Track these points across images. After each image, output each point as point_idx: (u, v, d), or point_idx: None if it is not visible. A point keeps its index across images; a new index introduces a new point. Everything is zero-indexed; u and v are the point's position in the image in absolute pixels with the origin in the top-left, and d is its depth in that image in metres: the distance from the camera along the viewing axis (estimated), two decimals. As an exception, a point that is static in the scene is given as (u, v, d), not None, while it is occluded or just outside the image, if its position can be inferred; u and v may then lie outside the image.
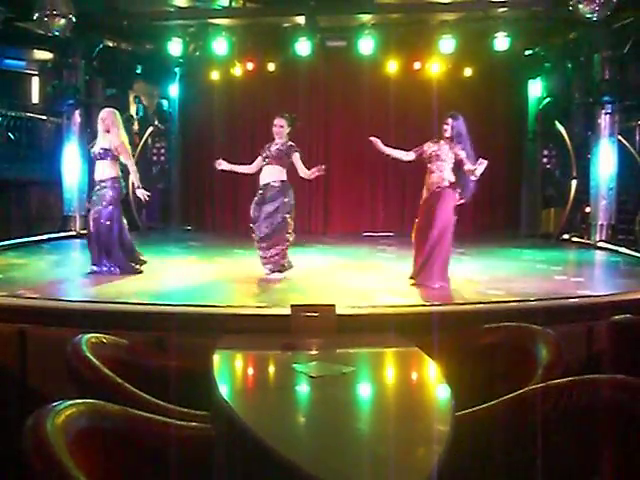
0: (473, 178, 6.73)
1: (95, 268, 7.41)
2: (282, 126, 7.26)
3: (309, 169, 7.17)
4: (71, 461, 2.09)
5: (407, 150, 7.12)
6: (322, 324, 3.98)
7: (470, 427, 2.69)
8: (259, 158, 7.34)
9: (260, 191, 7.27)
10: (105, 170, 7.48)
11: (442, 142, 6.85)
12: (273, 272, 7.23)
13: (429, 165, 6.89)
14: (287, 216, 7.20)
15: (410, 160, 7.08)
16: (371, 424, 2.72)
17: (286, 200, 7.17)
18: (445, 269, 6.84)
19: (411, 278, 6.90)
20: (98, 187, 7.54)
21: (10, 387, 4.61)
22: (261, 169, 7.31)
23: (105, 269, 7.39)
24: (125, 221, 7.73)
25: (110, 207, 7.42)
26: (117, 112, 7.77)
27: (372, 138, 7.06)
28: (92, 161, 8.04)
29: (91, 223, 7.54)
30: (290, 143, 7.26)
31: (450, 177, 6.81)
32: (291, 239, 7.28)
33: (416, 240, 6.96)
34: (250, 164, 7.43)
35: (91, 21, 10.89)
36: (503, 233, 12.52)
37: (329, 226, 13.59)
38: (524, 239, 12.02)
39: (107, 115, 7.61)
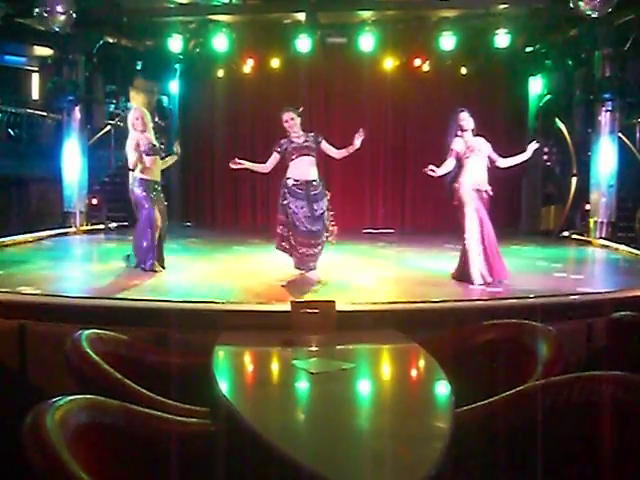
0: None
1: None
2: (293, 118, 7.10)
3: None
4: (71, 456, 2.09)
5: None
6: (322, 321, 3.98)
7: (470, 423, 2.69)
8: (276, 155, 7.04)
9: (300, 187, 6.96)
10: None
11: (465, 134, 6.81)
12: (311, 270, 7.16)
13: (468, 160, 6.78)
14: (331, 213, 7.17)
15: (452, 168, 6.87)
16: (371, 420, 2.73)
17: (328, 196, 7.14)
18: None
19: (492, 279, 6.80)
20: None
21: (10, 382, 4.61)
22: (288, 164, 7.04)
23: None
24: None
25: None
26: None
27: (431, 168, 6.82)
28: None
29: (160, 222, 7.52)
30: (312, 133, 7.11)
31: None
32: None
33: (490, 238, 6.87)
34: (253, 161, 7.25)
35: (91, 17, 10.88)
36: (503, 230, 12.47)
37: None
38: (524, 236, 12.01)
39: (139, 114, 7.49)
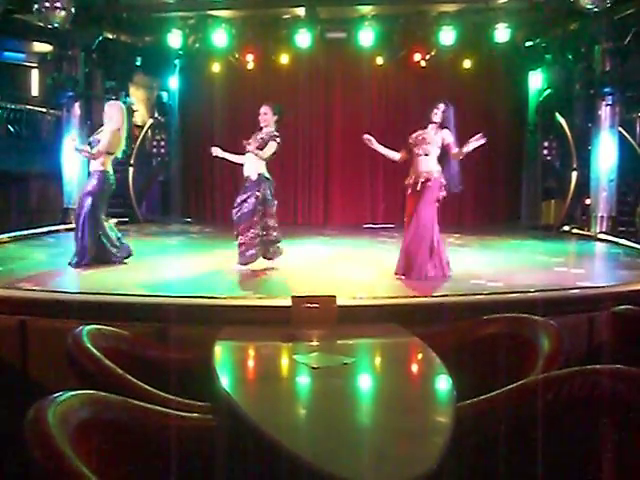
0: (459, 158, 6.73)
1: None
2: (266, 113, 7.18)
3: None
4: (72, 452, 2.08)
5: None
6: (323, 315, 3.98)
7: (471, 418, 2.69)
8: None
9: (245, 181, 7.31)
10: (93, 162, 7.50)
11: (430, 126, 6.81)
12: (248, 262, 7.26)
13: (415, 150, 6.80)
14: (259, 208, 7.19)
15: (400, 159, 7.01)
16: (372, 415, 2.73)
17: (258, 194, 7.17)
18: (438, 260, 6.83)
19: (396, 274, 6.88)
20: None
21: (11, 378, 4.61)
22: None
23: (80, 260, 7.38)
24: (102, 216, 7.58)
25: (88, 198, 7.38)
26: (122, 106, 7.75)
27: (366, 136, 6.96)
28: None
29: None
30: (274, 132, 7.19)
31: (437, 166, 6.78)
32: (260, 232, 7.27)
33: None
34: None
35: (90, 13, 10.88)
36: (503, 225, 12.52)
37: (329, 218, 13.59)
38: (524, 231, 12.01)
39: (108, 108, 7.61)
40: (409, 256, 6.76)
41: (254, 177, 7.18)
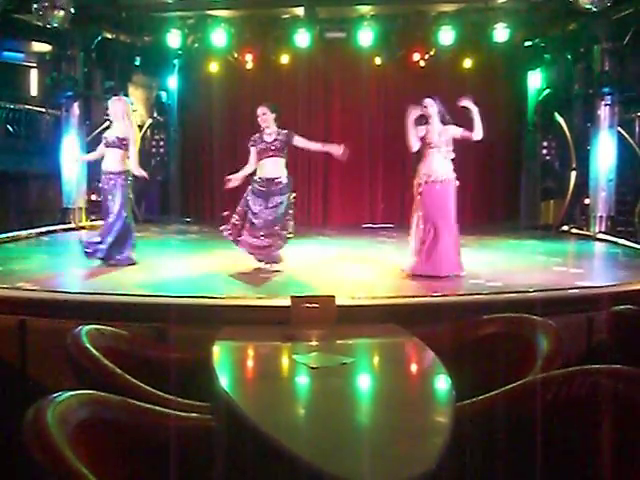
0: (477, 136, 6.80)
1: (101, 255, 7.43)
2: (265, 113, 7.19)
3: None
4: (71, 452, 2.09)
5: None
6: (322, 315, 3.98)
7: (470, 418, 2.70)
8: (252, 150, 7.21)
9: (262, 185, 7.20)
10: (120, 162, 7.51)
11: (441, 126, 6.83)
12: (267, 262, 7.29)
13: (431, 150, 6.83)
14: (290, 211, 7.25)
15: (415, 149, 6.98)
16: (371, 415, 2.73)
17: (291, 196, 7.25)
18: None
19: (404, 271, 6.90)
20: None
21: (10, 378, 4.61)
22: (261, 159, 7.21)
23: (119, 258, 7.45)
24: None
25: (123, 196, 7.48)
26: (126, 100, 7.79)
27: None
28: (92, 150, 8.03)
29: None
30: (285, 131, 7.22)
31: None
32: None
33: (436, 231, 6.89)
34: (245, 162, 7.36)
35: (89, 13, 10.87)
36: (502, 224, 12.52)
37: (329, 218, 13.58)
38: (523, 230, 12.00)
39: (113, 105, 7.64)
40: (447, 253, 6.80)
41: (285, 180, 7.20)
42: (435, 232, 6.79)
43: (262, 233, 7.15)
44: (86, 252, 7.40)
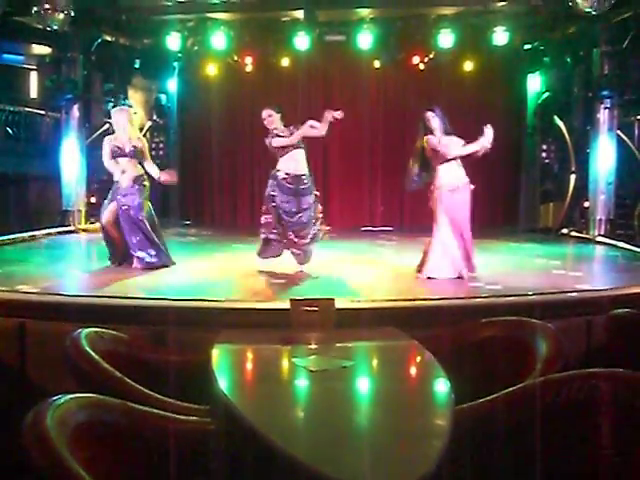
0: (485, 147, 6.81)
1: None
2: (270, 115, 7.16)
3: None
4: (71, 455, 2.09)
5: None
6: (321, 318, 3.98)
7: (469, 421, 2.69)
8: (278, 139, 7.10)
9: (289, 181, 7.12)
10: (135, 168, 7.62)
11: (448, 137, 6.84)
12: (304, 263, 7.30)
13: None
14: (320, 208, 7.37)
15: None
16: (370, 418, 2.72)
17: (316, 193, 7.37)
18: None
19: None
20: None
21: (10, 381, 4.61)
22: (285, 154, 7.13)
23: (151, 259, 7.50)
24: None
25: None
26: (130, 110, 7.85)
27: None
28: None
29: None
30: (292, 126, 7.18)
31: None
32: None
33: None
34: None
35: (89, 15, 10.88)
36: (502, 227, 12.52)
37: (328, 221, 13.55)
38: (523, 233, 12.01)
39: (116, 115, 7.71)
40: (469, 254, 7.00)
41: (308, 176, 7.21)
42: (462, 235, 7.00)
43: (300, 233, 7.16)
44: (148, 263, 7.46)
